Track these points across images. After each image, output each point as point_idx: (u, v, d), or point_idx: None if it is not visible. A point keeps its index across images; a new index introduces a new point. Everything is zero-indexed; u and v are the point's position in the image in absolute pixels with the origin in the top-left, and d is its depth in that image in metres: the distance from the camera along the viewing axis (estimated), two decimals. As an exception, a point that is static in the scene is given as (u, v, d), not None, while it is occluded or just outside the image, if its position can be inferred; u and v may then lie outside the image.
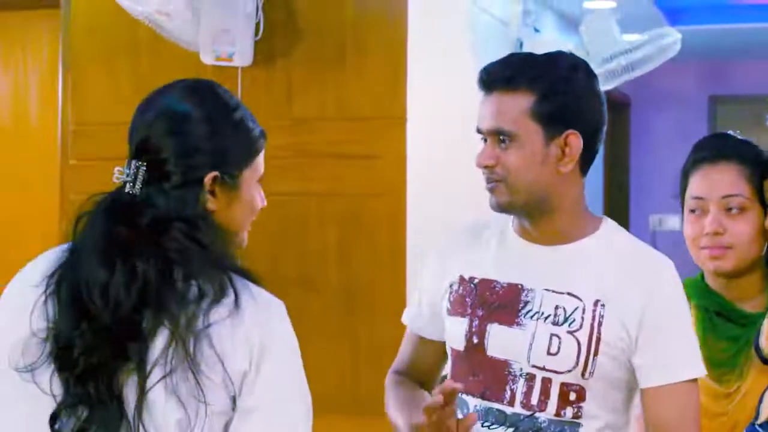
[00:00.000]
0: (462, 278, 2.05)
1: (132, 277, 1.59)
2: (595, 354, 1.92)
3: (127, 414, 1.58)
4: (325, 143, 3.52)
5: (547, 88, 1.93)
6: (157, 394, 1.58)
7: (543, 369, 1.93)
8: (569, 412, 1.93)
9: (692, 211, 2.19)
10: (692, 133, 7.94)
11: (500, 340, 1.97)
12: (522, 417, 1.94)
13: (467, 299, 2.03)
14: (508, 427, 1.95)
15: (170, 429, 1.58)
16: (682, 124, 8.15)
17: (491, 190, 1.98)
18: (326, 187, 3.52)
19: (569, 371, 1.92)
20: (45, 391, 1.60)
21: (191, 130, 1.70)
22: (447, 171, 3.52)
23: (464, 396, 2.00)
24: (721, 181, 2.15)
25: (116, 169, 1.71)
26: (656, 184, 8.07)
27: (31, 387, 1.61)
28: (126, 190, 1.68)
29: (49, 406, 1.60)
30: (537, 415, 1.93)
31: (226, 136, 1.72)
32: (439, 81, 3.59)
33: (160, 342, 1.58)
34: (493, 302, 1.99)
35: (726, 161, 2.16)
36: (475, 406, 1.98)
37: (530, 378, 1.94)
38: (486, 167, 1.97)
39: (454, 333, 2.03)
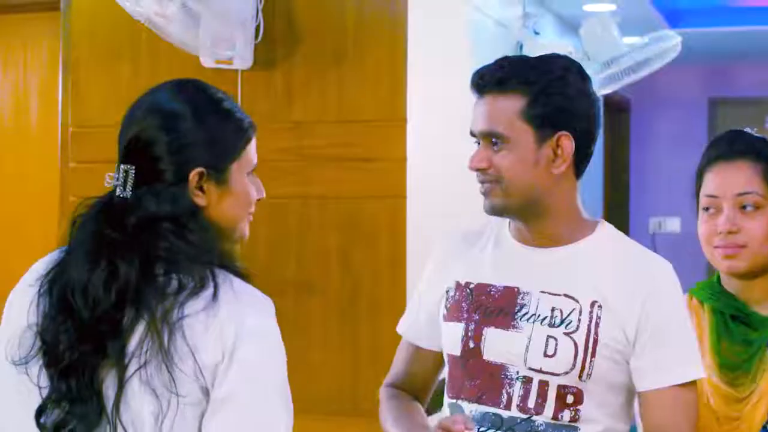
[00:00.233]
0: (458, 284, 2.05)
1: (113, 276, 1.63)
2: (593, 355, 1.91)
3: (106, 408, 1.61)
4: (325, 146, 3.52)
5: (539, 89, 1.94)
6: (133, 386, 1.61)
7: (540, 371, 1.93)
8: (567, 415, 1.92)
9: (706, 209, 2.13)
10: (692, 136, 7.98)
11: (497, 344, 1.96)
12: (519, 421, 1.93)
13: (463, 304, 2.02)
14: (505, 431, 1.94)
15: (144, 421, 1.60)
16: (682, 127, 8.15)
17: (485, 194, 1.98)
18: (326, 190, 3.53)
19: (566, 373, 1.92)
20: (35, 384, 1.65)
21: (180, 126, 1.71)
22: (447, 173, 3.52)
23: (460, 401, 2.00)
24: (736, 178, 2.09)
25: (107, 174, 1.73)
26: (656, 187, 8.07)
27: (25, 379, 1.66)
28: (117, 194, 1.70)
29: (39, 399, 1.65)
30: (534, 418, 1.93)
31: (213, 130, 1.73)
32: (439, 84, 3.60)
33: (137, 335, 1.61)
34: (489, 306, 1.99)
35: (741, 158, 2.10)
36: (471, 411, 1.98)
37: (527, 381, 1.94)
38: (478, 170, 1.97)
39: (451, 338, 2.03)
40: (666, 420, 1.93)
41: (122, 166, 1.71)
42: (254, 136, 1.80)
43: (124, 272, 1.62)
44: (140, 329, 1.61)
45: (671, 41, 4.26)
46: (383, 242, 3.45)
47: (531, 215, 1.99)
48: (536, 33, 4.45)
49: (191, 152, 1.70)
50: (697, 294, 2.18)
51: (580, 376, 1.91)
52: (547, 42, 4.54)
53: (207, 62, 3.41)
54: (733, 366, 2.08)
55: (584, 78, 2.00)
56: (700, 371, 1.95)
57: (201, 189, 1.71)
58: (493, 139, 1.95)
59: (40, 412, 1.64)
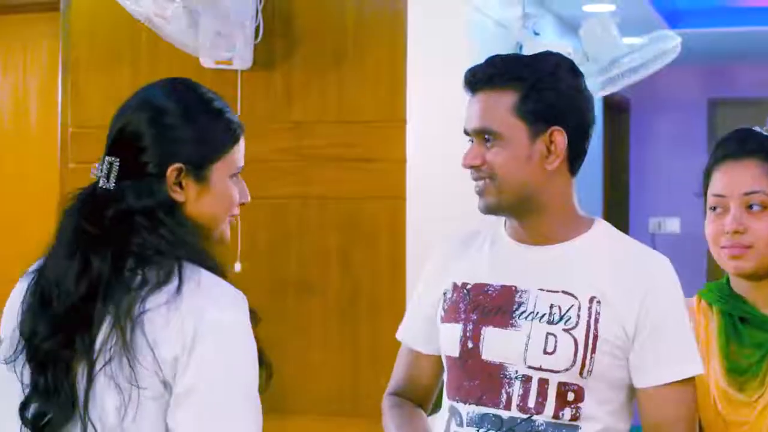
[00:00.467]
0: (455, 285, 2.05)
1: (84, 269, 1.66)
2: (593, 352, 1.91)
3: (78, 401, 1.63)
4: (324, 146, 3.52)
5: (531, 85, 1.94)
6: (100, 380, 1.62)
7: (539, 369, 1.92)
8: (567, 413, 1.91)
9: (713, 209, 2.09)
10: (692, 137, 7.99)
11: (495, 343, 1.96)
12: (519, 421, 1.93)
13: (461, 305, 2.02)
14: (505, 432, 1.94)
15: (110, 415, 1.62)
16: (682, 128, 8.15)
17: (480, 193, 1.98)
18: (326, 191, 3.52)
19: (567, 370, 1.91)
20: (20, 380, 1.68)
21: (166, 121, 1.73)
22: (447, 174, 3.51)
23: (457, 403, 1.99)
24: (743, 177, 2.06)
25: (93, 165, 1.76)
26: (656, 188, 8.07)
27: (14, 377, 1.69)
28: (100, 185, 1.73)
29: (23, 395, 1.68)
30: (534, 418, 1.92)
31: (199, 129, 1.75)
32: (439, 84, 3.59)
33: (104, 330, 1.63)
34: (487, 306, 1.99)
35: (749, 157, 2.06)
36: (468, 413, 1.97)
37: (526, 380, 1.93)
38: (472, 167, 1.97)
39: (449, 339, 2.02)
40: (665, 417, 1.93)
41: (107, 158, 1.74)
42: (242, 139, 1.81)
43: (96, 266, 1.65)
44: (107, 324, 1.63)
45: (671, 42, 4.27)
46: (383, 243, 3.45)
47: (525, 212, 1.99)
48: (536, 33, 4.45)
49: (174, 148, 1.73)
50: (706, 296, 2.15)
51: (581, 373, 1.91)
52: (547, 42, 4.55)
53: (206, 63, 3.41)
54: (742, 370, 2.05)
55: (576, 74, 2.00)
56: (699, 367, 1.95)
57: (180, 185, 1.73)
58: (486, 136, 1.96)
59: (23, 407, 1.66)
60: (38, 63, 4.60)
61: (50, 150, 3.97)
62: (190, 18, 3.35)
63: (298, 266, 3.54)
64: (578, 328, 1.92)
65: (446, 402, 2.04)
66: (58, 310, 1.66)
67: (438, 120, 3.58)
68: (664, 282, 1.96)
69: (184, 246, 1.69)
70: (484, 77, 1.97)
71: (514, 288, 1.98)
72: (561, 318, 1.93)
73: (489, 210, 1.99)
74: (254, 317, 1.70)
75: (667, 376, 1.92)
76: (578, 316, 1.92)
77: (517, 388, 1.94)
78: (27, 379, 1.67)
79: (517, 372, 1.94)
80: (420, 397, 2.16)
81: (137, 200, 1.70)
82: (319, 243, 3.52)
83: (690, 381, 1.94)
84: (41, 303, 1.68)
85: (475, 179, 1.98)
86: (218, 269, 1.70)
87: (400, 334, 2.19)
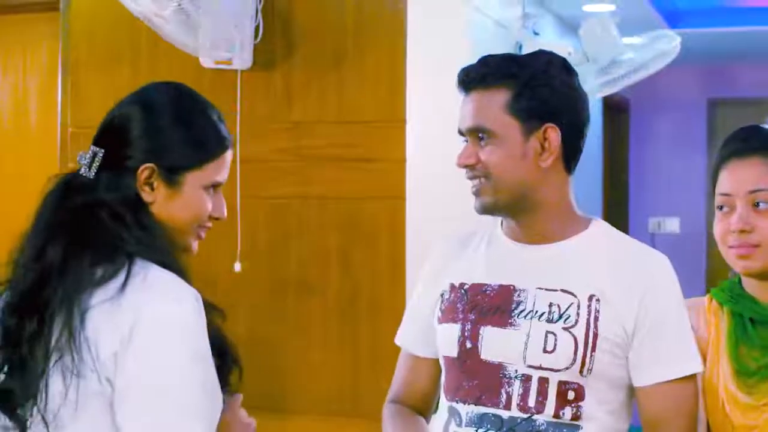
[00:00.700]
0: (452, 286, 2.05)
1: (38, 256, 1.69)
2: (593, 350, 1.91)
3: (36, 383, 1.64)
4: (324, 146, 3.52)
5: (524, 83, 1.95)
6: (53, 372, 1.63)
7: (539, 368, 1.92)
8: (568, 412, 1.91)
9: (720, 208, 2.06)
10: (692, 137, 7.99)
11: (494, 343, 1.96)
12: (519, 420, 1.92)
13: (458, 305, 2.02)
14: (505, 432, 1.93)
15: (57, 405, 1.63)
16: (681, 127, 8.15)
17: (475, 193, 1.98)
18: (326, 191, 3.53)
19: (567, 368, 1.91)
20: None
21: (153, 120, 1.75)
22: (446, 174, 3.51)
23: (456, 404, 1.99)
24: (748, 175, 2.02)
25: (79, 153, 1.77)
26: (656, 188, 8.07)
27: None
28: (81, 172, 1.75)
29: None
30: (534, 417, 1.92)
31: (184, 134, 1.76)
32: (439, 84, 3.59)
33: (58, 321, 1.64)
34: (485, 305, 1.98)
35: (754, 155, 2.03)
36: (468, 413, 1.96)
37: (526, 379, 1.93)
38: (466, 166, 1.97)
39: (447, 339, 2.02)
40: (664, 415, 1.93)
41: (93, 148, 1.76)
42: (226, 155, 1.81)
43: (49, 255, 1.68)
44: (60, 318, 1.64)
45: (671, 42, 4.27)
46: (383, 243, 3.45)
47: (521, 211, 1.99)
48: (536, 33, 4.45)
49: (158, 147, 1.74)
50: (717, 296, 2.12)
51: (581, 371, 1.91)
52: (547, 42, 4.54)
53: (206, 63, 3.41)
54: (751, 372, 2.01)
55: (569, 71, 2.00)
56: (697, 365, 1.95)
57: (151, 186, 1.74)
58: (480, 135, 1.96)
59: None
60: (38, 63, 4.61)
61: (50, 150, 3.97)
62: (190, 18, 3.35)
63: (298, 266, 3.55)
64: (578, 327, 1.92)
65: (444, 403, 2.04)
66: (14, 293, 1.70)
67: (438, 120, 3.58)
68: (663, 280, 1.96)
69: (140, 244, 1.69)
70: (477, 76, 1.98)
71: (512, 287, 1.98)
72: (560, 316, 1.93)
73: (485, 210, 1.99)
74: (216, 313, 1.72)
75: (665, 374, 1.92)
76: (578, 314, 1.92)
77: (516, 388, 1.93)
78: None
79: (516, 371, 1.94)
80: (420, 404, 2.15)
81: (107, 192, 1.72)
82: (319, 243, 3.52)
83: (689, 379, 1.94)
84: (9, 285, 1.72)
85: (470, 178, 1.99)
86: (176, 269, 1.70)
87: (399, 339, 2.18)
